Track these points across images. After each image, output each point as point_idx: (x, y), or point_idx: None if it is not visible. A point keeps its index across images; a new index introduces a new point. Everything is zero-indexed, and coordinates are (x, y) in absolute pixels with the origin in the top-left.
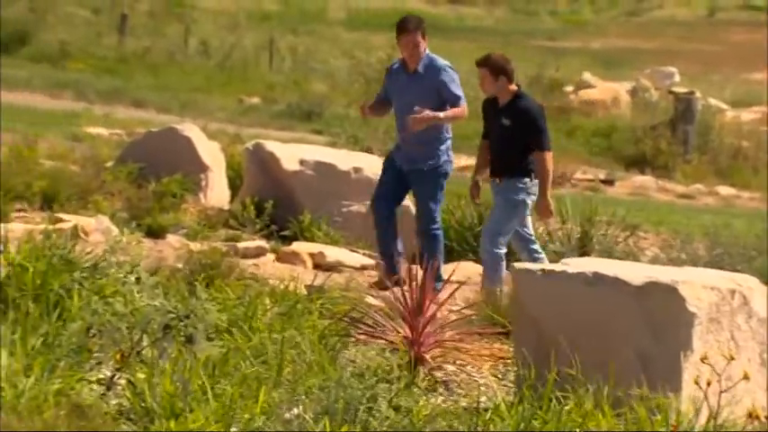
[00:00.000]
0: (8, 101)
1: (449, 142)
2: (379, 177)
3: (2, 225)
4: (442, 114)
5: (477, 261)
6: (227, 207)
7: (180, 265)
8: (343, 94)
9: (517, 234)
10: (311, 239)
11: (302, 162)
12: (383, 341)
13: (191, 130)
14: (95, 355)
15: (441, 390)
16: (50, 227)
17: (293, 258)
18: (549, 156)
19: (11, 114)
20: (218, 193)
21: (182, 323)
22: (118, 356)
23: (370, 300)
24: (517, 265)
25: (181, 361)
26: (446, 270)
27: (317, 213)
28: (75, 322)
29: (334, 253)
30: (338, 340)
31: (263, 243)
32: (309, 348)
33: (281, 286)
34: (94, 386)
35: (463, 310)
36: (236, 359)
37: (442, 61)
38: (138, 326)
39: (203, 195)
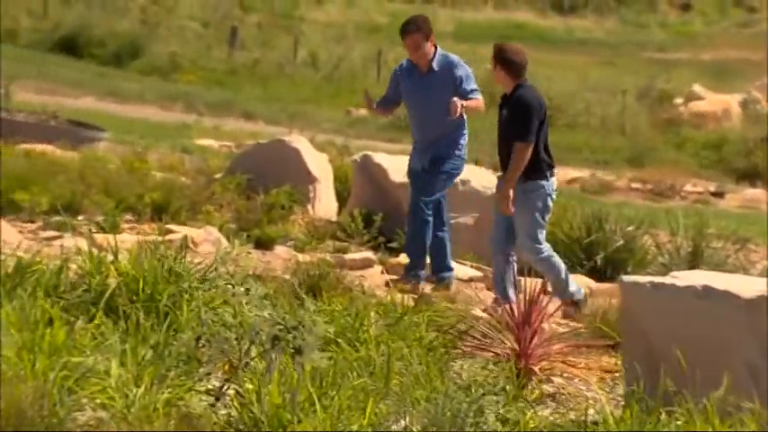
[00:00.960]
0: (121, 113)
1: (466, 138)
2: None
3: (113, 236)
4: (469, 103)
5: (586, 274)
6: (334, 219)
7: (288, 277)
8: None
9: (507, 231)
10: None
11: None
12: (490, 353)
13: (299, 141)
14: (204, 365)
15: (548, 402)
16: (161, 238)
17: (400, 270)
18: (525, 148)
19: (123, 126)
20: (325, 204)
21: (290, 334)
22: (227, 367)
23: (477, 312)
24: (625, 277)
25: (289, 372)
26: None
27: None
28: (185, 333)
29: None
30: (445, 352)
31: (370, 254)
32: (416, 360)
33: (389, 298)
34: (203, 396)
35: (570, 323)
36: (343, 370)
37: (455, 57)
38: (247, 336)
39: (311, 207)
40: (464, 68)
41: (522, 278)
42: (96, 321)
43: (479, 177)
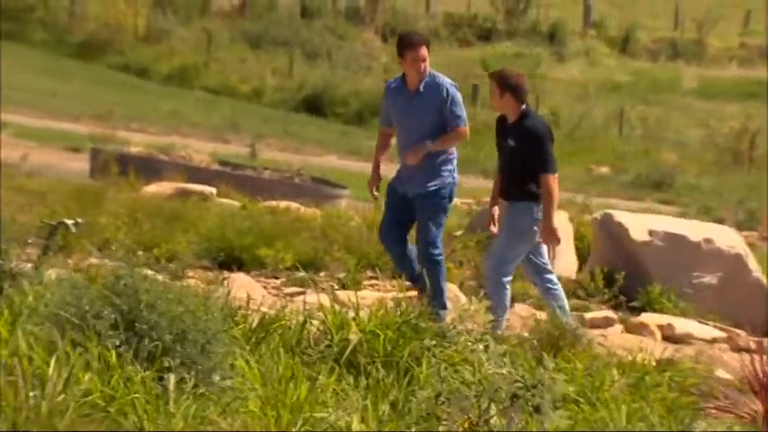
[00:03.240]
0: (361, 170)
1: (454, 163)
2: (384, 206)
3: (355, 292)
4: (429, 144)
5: None
6: (574, 277)
7: (527, 334)
8: (694, 163)
9: (530, 262)
10: (660, 311)
11: (651, 233)
12: (734, 415)
13: None
14: (444, 422)
15: None
16: (401, 294)
17: (641, 330)
18: (553, 178)
19: (364, 184)
20: (565, 262)
21: (529, 392)
22: (466, 425)
23: (720, 373)
24: None
25: (529, 431)
26: None
27: (667, 284)
28: (425, 389)
29: (683, 325)
30: (688, 414)
31: (610, 313)
32: (658, 421)
33: (629, 358)
34: None
35: None
36: (583, 430)
37: (444, 79)
38: (486, 394)
39: (551, 265)
40: (453, 90)
41: (764, 339)
42: (337, 377)
43: (723, 236)
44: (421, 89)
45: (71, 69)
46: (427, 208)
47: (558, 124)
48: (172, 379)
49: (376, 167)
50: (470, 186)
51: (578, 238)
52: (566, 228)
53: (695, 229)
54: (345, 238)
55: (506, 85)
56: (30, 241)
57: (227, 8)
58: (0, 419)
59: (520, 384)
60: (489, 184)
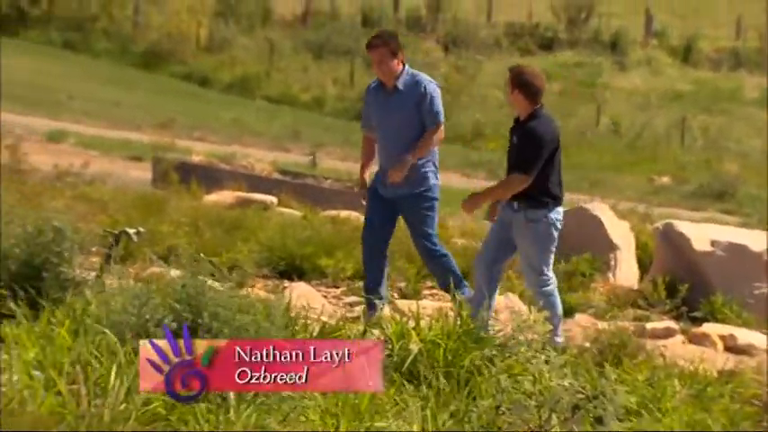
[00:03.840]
0: None
1: (436, 163)
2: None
3: (415, 302)
4: (410, 156)
5: None
6: (635, 287)
7: (588, 345)
8: (756, 173)
9: (494, 262)
10: (722, 321)
11: (713, 243)
12: None
13: (600, 209)
14: None
15: None
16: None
17: (703, 340)
18: (523, 180)
19: None
20: (626, 272)
21: (590, 403)
22: None
23: None
24: None
25: None
26: None
27: (729, 295)
28: (485, 400)
29: (745, 336)
30: (749, 425)
31: (672, 324)
32: None
33: (691, 368)
34: None
35: None
36: None
37: (423, 76)
38: (547, 405)
39: (612, 275)
40: (429, 89)
41: None
42: (398, 387)
43: None
44: (400, 87)
45: (134, 79)
46: (415, 209)
47: (619, 134)
48: None
49: (362, 175)
50: None
51: (640, 248)
52: (627, 237)
53: (757, 240)
54: (406, 248)
55: (518, 81)
56: (92, 250)
57: (288, 17)
58: (62, 427)
59: (581, 395)
60: None
